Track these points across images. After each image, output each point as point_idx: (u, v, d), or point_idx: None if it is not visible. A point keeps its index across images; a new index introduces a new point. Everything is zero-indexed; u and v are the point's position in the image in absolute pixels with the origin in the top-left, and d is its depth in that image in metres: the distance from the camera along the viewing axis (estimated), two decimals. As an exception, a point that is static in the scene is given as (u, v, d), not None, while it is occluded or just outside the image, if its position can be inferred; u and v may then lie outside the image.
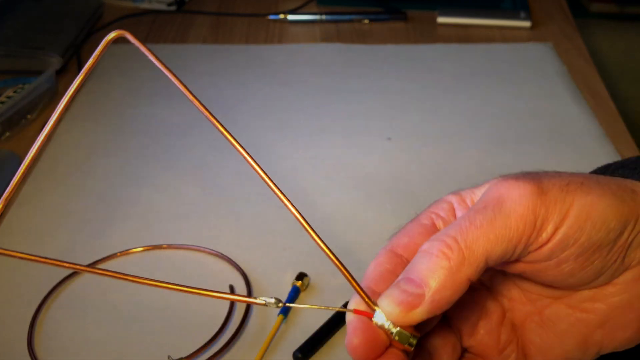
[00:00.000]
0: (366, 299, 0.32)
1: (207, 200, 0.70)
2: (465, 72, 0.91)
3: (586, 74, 0.91)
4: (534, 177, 0.33)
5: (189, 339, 0.55)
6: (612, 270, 0.34)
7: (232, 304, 0.57)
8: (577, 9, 1.17)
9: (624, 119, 0.82)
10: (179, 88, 0.31)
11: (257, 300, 0.33)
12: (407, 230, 0.36)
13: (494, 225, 0.32)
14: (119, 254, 0.63)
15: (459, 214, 0.36)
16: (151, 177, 0.73)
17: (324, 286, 0.59)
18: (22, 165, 0.31)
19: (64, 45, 0.94)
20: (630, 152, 0.75)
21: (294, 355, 0.53)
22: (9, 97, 0.81)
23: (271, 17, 1.05)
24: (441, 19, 1.03)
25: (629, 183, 0.35)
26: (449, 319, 0.37)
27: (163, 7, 1.09)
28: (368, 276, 0.35)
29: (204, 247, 0.63)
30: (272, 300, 0.34)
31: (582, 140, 0.77)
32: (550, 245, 0.32)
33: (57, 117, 0.32)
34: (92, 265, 0.62)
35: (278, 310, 0.56)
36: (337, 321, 0.55)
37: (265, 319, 0.57)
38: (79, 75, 0.31)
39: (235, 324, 0.56)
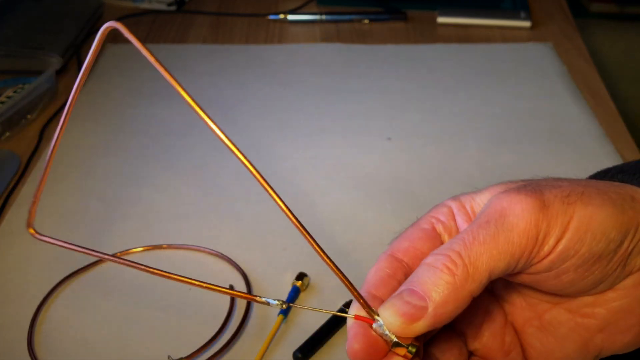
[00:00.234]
0: (367, 310, 0.32)
1: (207, 200, 0.70)
2: (465, 72, 0.91)
3: (586, 74, 0.91)
4: (536, 190, 0.33)
5: (189, 339, 0.55)
6: (612, 278, 0.34)
7: (232, 304, 0.57)
8: (577, 9, 1.17)
9: (624, 119, 0.82)
10: (182, 85, 0.31)
11: (271, 302, 0.34)
12: (407, 234, 0.36)
13: (497, 241, 0.32)
14: (118, 254, 0.63)
15: (458, 219, 0.36)
16: (151, 177, 0.73)
17: (324, 286, 0.59)
18: (50, 150, 0.31)
19: (64, 45, 0.94)
20: (630, 152, 0.75)
21: (294, 355, 0.53)
22: (9, 97, 0.81)
23: (271, 17, 1.05)
24: (441, 19, 1.03)
25: (629, 189, 0.35)
26: (452, 322, 0.37)
27: (163, 7, 1.09)
28: (369, 281, 0.35)
29: (204, 247, 0.63)
30: (276, 302, 0.34)
31: (582, 140, 0.77)
32: (551, 257, 0.33)
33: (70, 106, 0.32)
34: (92, 265, 0.62)
35: (278, 310, 0.56)
36: (337, 321, 0.55)
37: (265, 319, 0.57)
38: (83, 68, 0.31)
39: (235, 324, 0.56)
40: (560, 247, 0.32)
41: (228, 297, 0.58)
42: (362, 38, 1.01)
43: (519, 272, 0.34)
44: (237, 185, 0.72)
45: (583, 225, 0.32)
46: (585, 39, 1.00)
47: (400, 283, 0.34)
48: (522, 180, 0.36)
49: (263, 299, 0.34)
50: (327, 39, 1.01)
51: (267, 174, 0.76)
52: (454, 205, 0.37)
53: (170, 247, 0.64)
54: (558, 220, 0.32)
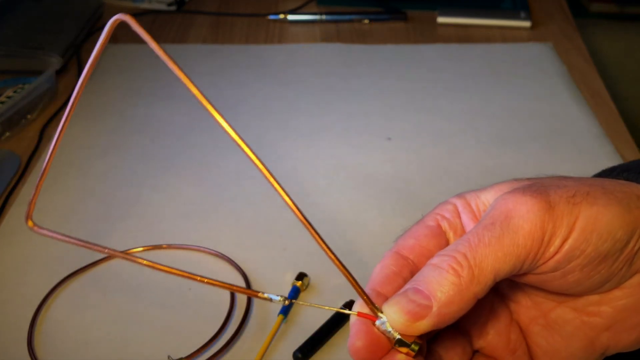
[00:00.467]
0: (370, 306, 0.33)
1: (207, 200, 0.70)
2: (465, 72, 0.91)
3: (586, 74, 0.91)
4: (541, 190, 0.33)
5: (189, 339, 0.55)
6: (618, 277, 0.34)
7: (232, 304, 0.57)
8: (577, 9, 1.17)
9: (624, 119, 0.82)
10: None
11: (273, 298, 0.34)
12: (412, 232, 0.36)
13: (502, 243, 0.32)
14: (119, 254, 0.63)
15: (463, 217, 0.36)
16: (151, 177, 0.73)
17: (324, 286, 0.59)
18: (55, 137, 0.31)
19: (64, 45, 0.94)
20: (630, 152, 0.75)
21: (294, 355, 0.53)
22: (9, 97, 0.81)
23: (271, 17, 1.05)
24: (441, 19, 1.03)
25: (635, 188, 0.35)
26: (457, 321, 0.37)
27: (163, 7, 1.09)
28: (374, 278, 0.35)
29: (204, 247, 0.63)
30: (278, 298, 0.34)
31: (582, 140, 0.77)
32: (557, 257, 0.32)
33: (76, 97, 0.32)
34: (92, 265, 0.62)
35: (280, 307, 0.56)
36: (337, 321, 0.55)
37: (265, 319, 0.57)
38: (90, 60, 0.31)
39: (236, 324, 0.56)
40: (566, 247, 0.32)
41: (228, 297, 0.58)
42: (362, 38, 1.01)
43: (525, 273, 0.34)
44: (237, 185, 0.72)
45: (589, 225, 0.32)
46: (585, 39, 1.00)
47: (405, 281, 0.34)
48: (527, 179, 0.36)
49: (266, 295, 0.34)
50: (327, 39, 1.01)
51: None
52: (459, 203, 0.37)
53: (170, 247, 0.64)
54: (564, 221, 0.32)
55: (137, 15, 1.06)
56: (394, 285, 0.34)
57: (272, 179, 0.33)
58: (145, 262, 0.34)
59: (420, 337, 0.33)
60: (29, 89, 0.82)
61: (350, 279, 0.33)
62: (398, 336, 0.32)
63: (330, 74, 0.91)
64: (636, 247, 0.33)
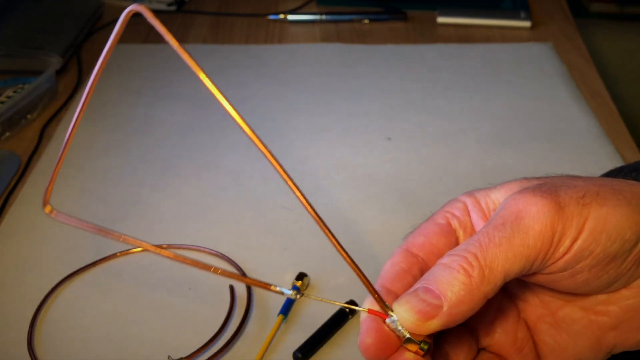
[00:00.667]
0: (381, 304, 0.33)
1: (207, 200, 0.70)
2: (465, 72, 0.91)
3: (586, 74, 0.91)
4: (551, 190, 0.33)
5: (189, 339, 0.55)
6: (626, 277, 0.34)
7: (232, 304, 0.57)
8: (577, 9, 1.17)
9: (624, 119, 0.82)
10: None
11: (285, 291, 0.34)
12: (422, 229, 0.37)
13: (513, 244, 0.32)
14: (119, 254, 0.63)
15: (473, 216, 0.37)
16: (151, 177, 0.73)
17: (323, 286, 0.59)
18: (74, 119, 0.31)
19: (64, 45, 0.94)
20: (630, 152, 0.75)
21: (294, 355, 0.53)
22: (9, 97, 0.81)
23: (271, 17, 1.05)
24: (441, 19, 1.03)
25: None
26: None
27: (163, 7, 1.09)
28: (384, 275, 0.35)
29: (204, 247, 0.63)
30: (290, 292, 0.34)
31: (582, 140, 0.77)
32: (565, 258, 0.33)
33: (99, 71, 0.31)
34: (92, 265, 0.62)
35: (278, 310, 0.56)
36: (337, 321, 0.55)
37: (265, 319, 0.57)
38: (106, 49, 0.31)
39: (235, 324, 0.56)
40: (575, 248, 0.32)
41: (228, 297, 0.58)
42: (362, 38, 1.01)
43: (534, 273, 0.34)
44: (237, 185, 0.72)
45: (598, 226, 0.32)
46: (585, 39, 1.00)
47: (415, 278, 0.34)
48: (537, 178, 0.36)
49: (277, 288, 0.34)
50: (327, 39, 1.01)
51: (267, 174, 0.76)
52: (468, 201, 0.37)
53: (170, 247, 0.64)
54: (573, 222, 0.32)
55: (137, 15, 1.06)
56: (404, 282, 0.34)
57: (284, 174, 0.33)
58: (164, 252, 0.34)
59: (429, 336, 0.33)
60: (29, 89, 0.82)
61: (362, 276, 0.33)
62: (407, 335, 0.33)
63: (330, 74, 0.91)
64: None
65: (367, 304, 0.34)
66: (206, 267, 0.34)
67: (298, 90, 0.88)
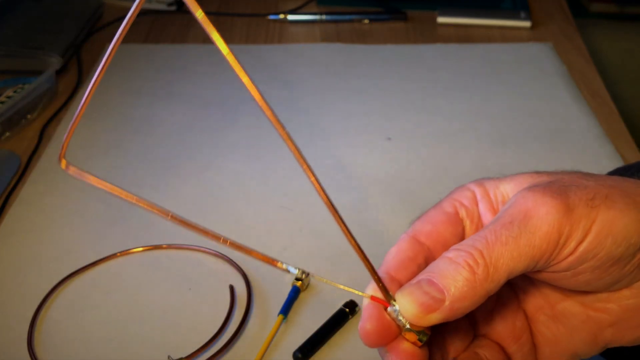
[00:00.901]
0: (384, 293, 0.33)
1: (207, 200, 0.70)
2: (465, 72, 0.91)
3: (586, 74, 0.91)
4: (561, 191, 0.33)
5: (189, 339, 0.55)
6: (629, 279, 0.34)
7: (232, 304, 0.57)
8: (577, 9, 1.17)
9: (624, 119, 0.82)
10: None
11: (291, 270, 0.34)
12: (430, 217, 0.37)
13: (519, 243, 0.32)
14: (119, 254, 0.63)
15: (481, 206, 0.37)
16: (151, 177, 0.73)
17: (323, 286, 0.59)
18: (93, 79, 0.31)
19: (64, 45, 0.94)
20: (630, 152, 0.75)
21: (294, 355, 0.53)
22: (9, 97, 0.81)
23: (271, 17, 1.05)
24: (441, 19, 1.03)
25: None
26: None
27: (163, 7, 1.09)
28: (388, 262, 0.35)
29: (204, 247, 0.63)
30: (296, 271, 0.34)
31: (582, 140, 0.77)
32: (569, 259, 0.33)
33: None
34: (92, 265, 0.62)
35: (278, 310, 0.56)
36: (337, 321, 0.55)
37: (265, 319, 0.57)
38: (116, 37, 0.31)
39: (235, 324, 0.56)
40: (580, 250, 0.32)
41: (228, 297, 0.58)
42: (362, 38, 1.01)
43: (537, 271, 0.34)
44: (238, 185, 0.72)
45: (604, 230, 0.32)
46: (585, 39, 1.00)
47: (420, 267, 0.35)
48: (548, 174, 0.36)
49: (284, 266, 0.35)
50: (327, 39, 1.01)
51: (267, 174, 0.76)
52: (477, 190, 0.37)
53: (170, 247, 0.64)
54: (581, 224, 0.32)
55: (137, 15, 1.06)
56: (408, 271, 0.35)
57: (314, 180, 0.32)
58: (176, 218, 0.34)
59: (429, 327, 0.33)
60: (29, 89, 0.82)
61: (367, 263, 0.34)
62: (407, 325, 0.33)
63: (330, 74, 0.91)
64: None
65: (370, 289, 0.34)
66: (216, 237, 0.35)
67: (298, 90, 0.88)
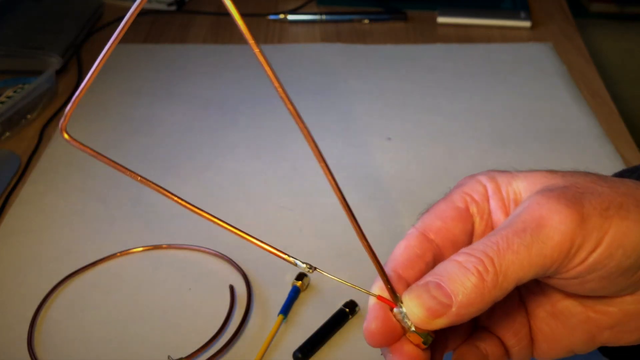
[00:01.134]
0: (391, 294, 0.33)
1: (207, 200, 0.70)
2: (465, 72, 0.91)
3: (586, 74, 0.91)
4: (576, 198, 0.33)
5: (189, 339, 0.55)
6: (634, 287, 0.34)
7: (232, 304, 0.57)
8: (577, 9, 1.17)
9: (624, 119, 0.82)
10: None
11: (299, 263, 0.34)
12: (439, 212, 0.36)
13: (530, 253, 0.32)
14: (119, 254, 0.63)
15: (492, 203, 0.36)
16: (151, 177, 0.73)
17: (323, 286, 0.59)
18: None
19: (64, 45, 0.94)
20: (631, 152, 0.75)
21: (294, 355, 0.53)
22: (9, 97, 0.81)
23: (271, 17, 1.05)
24: (441, 19, 1.03)
25: None
26: None
27: (163, 7, 1.09)
28: (396, 258, 0.35)
29: (204, 247, 0.63)
30: (303, 265, 0.35)
31: (582, 140, 0.77)
32: (578, 269, 0.33)
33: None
34: (92, 265, 0.62)
35: (278, 310, 0.56)
36: (337, 321, 0.55)
37: (265, 319, 0.57)
38: (119, 28, 0.31)
39: (235, 324, 0.56)
40: (590, 260, 0.32)
41: (228, 297, 0.58)
42: (362, 38, 1.01)
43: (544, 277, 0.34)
44: (237, 185, 0.72)
45: (616, 241, 0.32)
46: (585, 39, 1.00)
47: (427, 265, 0.34)
48: (562, 175, 0.35)
49: (291, 258, 0.35)
50: (327, 39, 1.01)
51: (267, 174, 0.76)
52: (489, 185, 0.37)
53: (170, 247, 0.64)
54: (593, 235, 0.32)
55: (137, 15, 1.06)
56: (416, 270, 0.34)
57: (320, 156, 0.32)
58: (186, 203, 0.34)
59: (433, 331, 0.33)
60: (29, 89, 0.82)
61: (376, 263, 0.34)
62: (413, 328, 0.33)
63: (330, 74, 0.91)
64: None
65: (376, 288, 0.34)
66: (224, 224, 0.35)
67: (298, 90, 0.88)
